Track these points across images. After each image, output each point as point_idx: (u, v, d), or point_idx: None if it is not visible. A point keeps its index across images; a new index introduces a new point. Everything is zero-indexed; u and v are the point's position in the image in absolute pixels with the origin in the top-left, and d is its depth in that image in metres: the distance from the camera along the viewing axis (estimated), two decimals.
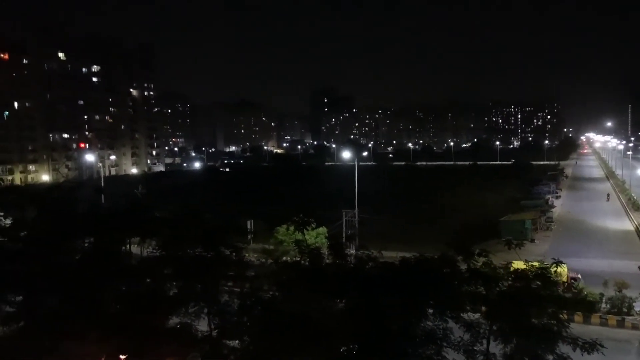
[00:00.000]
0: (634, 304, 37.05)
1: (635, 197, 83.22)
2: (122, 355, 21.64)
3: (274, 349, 17.45)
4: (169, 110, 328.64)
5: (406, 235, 57.27)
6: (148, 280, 24.40)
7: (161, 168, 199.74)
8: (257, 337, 19.17)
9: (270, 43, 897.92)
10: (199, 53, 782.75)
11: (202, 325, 22.12)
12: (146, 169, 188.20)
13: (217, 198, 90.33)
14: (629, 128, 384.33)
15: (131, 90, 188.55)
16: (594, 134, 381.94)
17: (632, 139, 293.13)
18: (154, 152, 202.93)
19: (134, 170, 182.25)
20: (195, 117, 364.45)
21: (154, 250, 25.11)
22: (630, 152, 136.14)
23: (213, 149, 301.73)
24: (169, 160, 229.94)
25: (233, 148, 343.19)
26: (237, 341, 20.62)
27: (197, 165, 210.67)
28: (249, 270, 24.53)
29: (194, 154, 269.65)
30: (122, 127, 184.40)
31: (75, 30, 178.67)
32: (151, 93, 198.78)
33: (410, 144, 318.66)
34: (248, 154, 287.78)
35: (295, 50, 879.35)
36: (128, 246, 31.73)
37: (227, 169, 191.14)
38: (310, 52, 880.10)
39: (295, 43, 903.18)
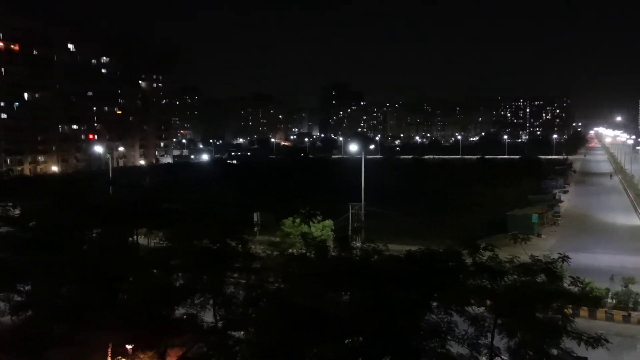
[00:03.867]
0: None
1: None
2: (129, 345, 21.88)
3: (280, 341, 17.57)
4: (178, 102, 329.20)
5: (413, 229, 57.16)
6: (155, 271, 24.62)
7: (169, 160, 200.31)
8: (263, 329, 19.29)
9: (279, 36, 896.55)
10: (208, 46, 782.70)
11: (208, 317, 22.28)
12: (154, 161, 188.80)
13: (225, 190, 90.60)
14: (639, 123, 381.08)
15: (140, 82, 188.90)
16: (604, 129, 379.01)
17: None
18: (162, 144, 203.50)
19: (142, 162, 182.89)
20: (204, 109, 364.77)
21: (161, 242, 25.31)
22: (639, 147, 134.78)
23: (221, 141, 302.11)
24: (176, 152, 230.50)
25: (241, 140, 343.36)
26: (242, 332, 20.77)
27: (204, 157, 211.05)
28: (255, 263, 24.68)
29: (201, 146, 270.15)
30: (131, 118, 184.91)
31: (90, 23, 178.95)
32: (160, 85, 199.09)
33: (417, 138, 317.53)
34: (256, 146, 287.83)
35: (304, 43, 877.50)
36: (135, 237, 32.04)
37: (235, 161, 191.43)
38: (320, 45, 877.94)
39: (305, 36, 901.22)
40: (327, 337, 17.31)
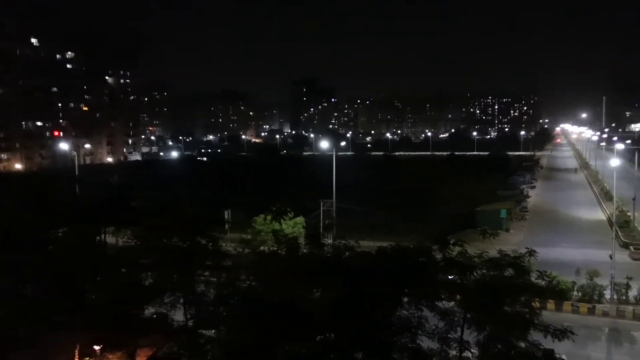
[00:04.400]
0: (604, 292, 37.91)
1: (607, 187, 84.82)
2: (97, 346, 21.46)
3: (252, 339, 17.45)
4: (146, 98, 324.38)
5: (384, 225, 57.60)
6: (124, 270, 24.19)
7: (137, 157, 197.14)
8: (234, 327, 19.13)
9: (251, 33, 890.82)
10: (179, 42, 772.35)
11: (178, 316, 22.00)
12: (122, 158, 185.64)
13: (195, 188, 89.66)
14: (603, 119, 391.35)
15: (107, 77, 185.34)
16: (570, 125, 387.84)
17: (606, 130, 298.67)
18: (130, 141, 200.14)
19: (110, 159, 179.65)
20: (173, 105, 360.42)
21: (129, 240, 24.87)
22: (603, 144, 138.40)
23: (191, 138, 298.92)
24: (145, 149, 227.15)
25: (211, 137, 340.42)
26: (213, 331, 20.57)
27: (174, 154, 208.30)
28: (226, 260, 24.47)
29: (171, 143, 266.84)
30: (98, 115, 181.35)
31: (55, 16, 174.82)
32: (128, 81, 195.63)
33: (388, 134, 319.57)
34: (226, 143, 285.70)
35: (275, 41, 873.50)
36: (103, 236, 31.43)
37: (205, 159, 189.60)
38: (290, 42, 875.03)
39: (276, 34, 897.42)
40: (299, 334, 17.27)
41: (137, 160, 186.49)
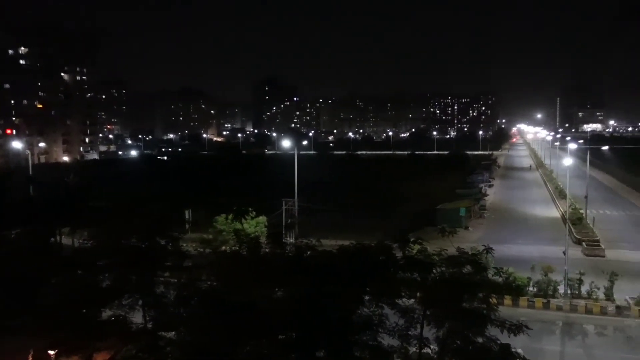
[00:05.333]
0: (558, 287, 39.14)
1: (561, 186, 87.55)
2: (51, 350, 20.85)
3: (213, 339, 17.28)
4: (104, 96, 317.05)
5: (346, 224, 57.95)
6: (80, 272, 23.56)
7: (95, 156, 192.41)
8: (195, 328, 18.90)
9: (212, 31, 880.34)
10: (138, 39, 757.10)
11: (137, 318, 21.57)
12: (78, 157, 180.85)
13: (155, 187, 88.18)
14: (557, 120, 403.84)
15: (62, 74, 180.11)
16: (525, 125, 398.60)
17: (560, 130, 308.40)
18: (87, 139, 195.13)
19: (66, 158, 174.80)
20: (132, 103, 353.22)
21: (85, 241, 24.24)
22: (557, 143, 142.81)
23: (150, 137, 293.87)
24: (103, 148, 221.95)
25: (171, 136, 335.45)
26: (173, 333, 20.26)
27: (133, 153, 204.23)
28: (187, 261, 24.13)
29: (130, 142, 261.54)
30: (53, 112, 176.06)
31: (6, 11, 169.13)
32: (84, 78, 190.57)
33: (350, 133, 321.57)
34: (187, 142, 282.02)
35: (237, 39, 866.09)
36: (58, 237, 30.55)
37: (166, 157, 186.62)
38: (252, 41, 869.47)
39: (238, 32, 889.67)
40: (261, 333, 17.20)
41: (94, 159, 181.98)
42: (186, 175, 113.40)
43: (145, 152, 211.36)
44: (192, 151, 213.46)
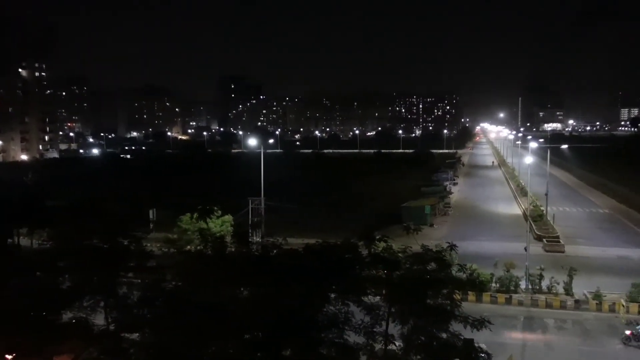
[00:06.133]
0: (520, 282, 40.06)
1: (523, 184, 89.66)
2: (9, 355, 20.21)
3: (178, 340, 17.06)
4: (64, 93, 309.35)
5: (313, 223, 57.99)
6: (39, 273, 22.92)
7: (55, 154, 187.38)
8: (159, 329, 18.63)
9: (177, 28, 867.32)
10: (101, 36, 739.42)
11: (99, 320, 21.11)
12: (38, 156, 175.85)
13: (118, 186, 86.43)
14: (519, 119, 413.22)
15: (20, 70, 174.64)
16: (489, 124, 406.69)
17: (522, 129, 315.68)
18: (46, 137, 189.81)
19: (24, 157, 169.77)
20: (94, 101, 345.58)
21: (45, 242, 23.58)
22: (519, 142, 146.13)
23: (113, 135, 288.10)
24: (64, 147, 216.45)
25: (135, 134, 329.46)
26: (137, 334, 19.91)
27: (95, 151, 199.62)
28: (151, 261, 23.74)
29: (92, 140, 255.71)
30: (10, 110, 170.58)
31: None
32: (43, 74, 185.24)
33: (317, 132, 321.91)
34: (151, 140, 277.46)
35: (203, 37, 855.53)
36: (16, 238, 29.67)
37: (129, 156, 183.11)
38: (218, 39, 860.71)
39: (203, 28, 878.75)
40: (227, 333, 17.06)
41: (54, 158, 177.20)
42: (150, 174, 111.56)
43: (107, 150, 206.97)
44: (156, 150, 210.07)
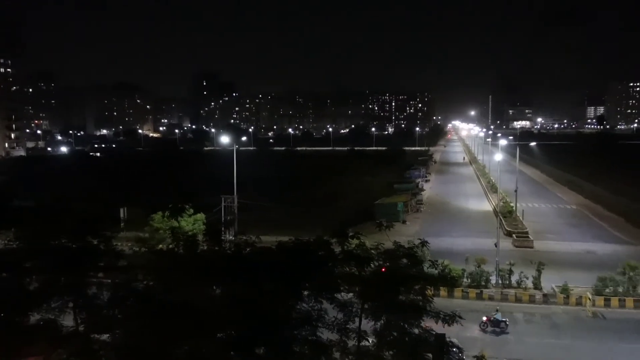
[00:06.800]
0: (490, 277, 40.74)
1: (493, 180, 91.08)
2: None
3: (150, 340, 16.85)
4: (31, 90, 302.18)
5: (286, 220, 57.90)
6: (5, 274, 22.35)
7: (22, 152, 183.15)
8: (131, 329, 18.38)
9: (149, 23, 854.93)
10: (70, 32, 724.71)
11: (68, 321, 20.72)
12: (3, 154, 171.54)
13: (88, 185, 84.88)
14: (489, 117, 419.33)
15: None
16: (460, 122, 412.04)
17: (492, 127, 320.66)
18: (12, 135, 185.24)
19: None
20: (62, 98, 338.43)
21: (10, 242, 22.98)
22: (489, 139, 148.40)
23: (82, 133, 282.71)
24: (31, 144, 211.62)
25: (105, 132, 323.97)
26: (107, 335, 19.59)
27: (64, 149, 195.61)
28: (122, 260, 23.36)
29: (60, 138, 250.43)
30: None
31: None
32: (9, 70, 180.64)
33: (290, 129, 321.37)
34: (121, 138, 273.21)
35: (174, 33, 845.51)
36: None
37: (99, 154, 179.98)
38: (190, 35, 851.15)
39: (175, 24, 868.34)
40: (199, 332, 16.92)
41: (21, 156, 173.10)
42: (121, 172, 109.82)
43: (76, 148, 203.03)
44: (127, 147, 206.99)
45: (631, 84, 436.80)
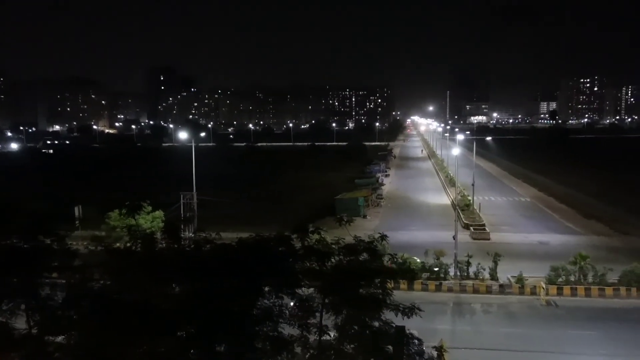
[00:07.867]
0: (449, 269, 41.53)
1: (451, 175, 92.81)
2: None
3: (106, 341, 16.46)
4: None
5: (246, 216, 57.59)
6: None
7: None
8: (86, 331, 17.92)
9: (104, 16, 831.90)
10: (18, 24, 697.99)
11: (20, 323, 20.04)
12: None
13: (39, 183, 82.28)
14: (447, 112, 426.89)
15: None
16: (419, 117, 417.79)
17: (450, 122, 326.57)
18: None
19: None
20: (12, 93, 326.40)
21: None
22: (447, 134, 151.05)
23: (34, 129, 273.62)
24: None
25: (58, 128, 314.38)
26: (62, 337, 19.06)
27: (13, 146, 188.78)
28: (76, 260, 22.74)
29: (10, 134, 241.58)
30: None
31: None
32: None
33: (250, 125, 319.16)
34: (76, 134, 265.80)
35: (130, 26, 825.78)
36: None
37: (51, 151, 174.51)
38: (147, 29, 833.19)
39: (131, 18, 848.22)
40: (158, 332, 16.63)
41: None
42: (75, 170, 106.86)
43: (27, 145, 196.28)
44: (81, 144, 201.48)
45: (582, 81, 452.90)
